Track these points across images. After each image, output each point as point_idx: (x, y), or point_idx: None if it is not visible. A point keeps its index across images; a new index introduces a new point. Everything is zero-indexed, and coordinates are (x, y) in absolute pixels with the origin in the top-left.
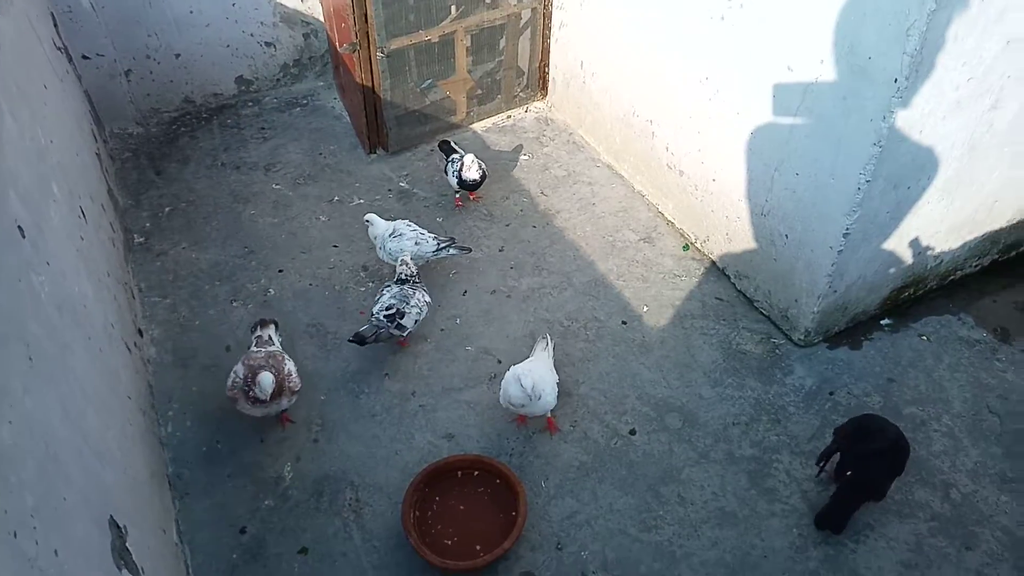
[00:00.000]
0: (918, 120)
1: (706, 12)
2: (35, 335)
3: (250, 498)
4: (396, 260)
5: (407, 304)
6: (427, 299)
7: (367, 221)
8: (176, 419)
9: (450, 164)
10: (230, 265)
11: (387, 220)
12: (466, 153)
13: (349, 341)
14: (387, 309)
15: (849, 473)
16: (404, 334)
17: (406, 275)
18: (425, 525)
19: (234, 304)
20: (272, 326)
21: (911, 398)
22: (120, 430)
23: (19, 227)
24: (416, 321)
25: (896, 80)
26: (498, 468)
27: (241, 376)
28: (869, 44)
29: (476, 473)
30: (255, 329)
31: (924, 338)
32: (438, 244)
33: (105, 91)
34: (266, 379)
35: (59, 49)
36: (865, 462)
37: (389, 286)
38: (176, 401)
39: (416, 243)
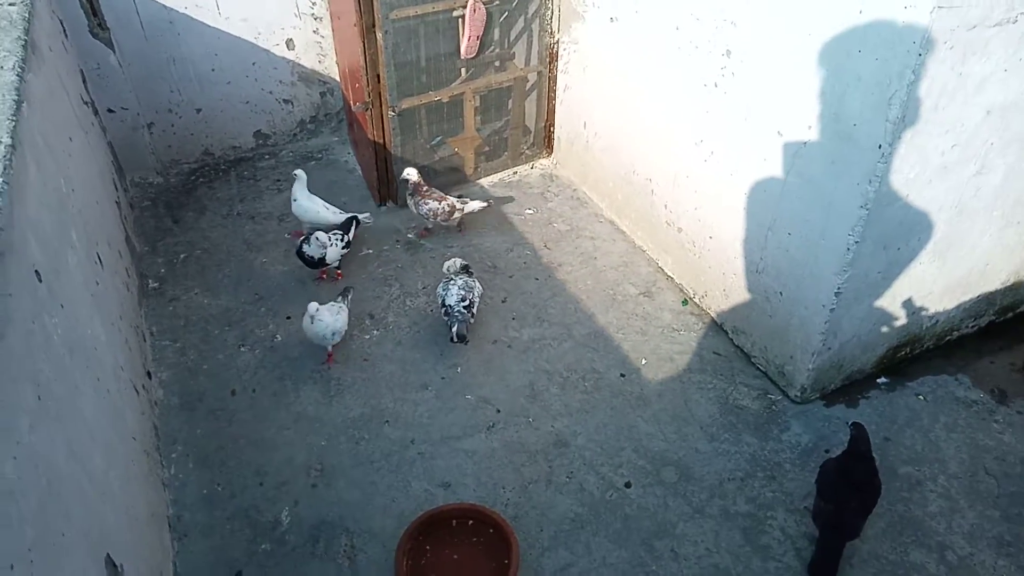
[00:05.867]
0: (904, 184)
1: (700, 80)
2: (45, 375)
3: (247, 541)
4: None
5: (472, 293)
6: (480, 287)
7: (295, 175)
8: (179, 461)
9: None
10: (240, 311)
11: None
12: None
13: (454, 342)
14: (462, 301)
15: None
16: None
17: (460, 267)
18: (418, 574)
19: (242, 349)
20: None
21: (907, 457)
22: (123, 470)
23: (36, 271)
24: (476, 308)
25: (880, 146)
26: (492, 518)
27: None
28: (853, 112)
29: (470, 522)
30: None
31: (921, 397)
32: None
33: (128, 142)
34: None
35: (86, 103)
36: (836, 502)
37: (452, 280)
38: (180, 443)
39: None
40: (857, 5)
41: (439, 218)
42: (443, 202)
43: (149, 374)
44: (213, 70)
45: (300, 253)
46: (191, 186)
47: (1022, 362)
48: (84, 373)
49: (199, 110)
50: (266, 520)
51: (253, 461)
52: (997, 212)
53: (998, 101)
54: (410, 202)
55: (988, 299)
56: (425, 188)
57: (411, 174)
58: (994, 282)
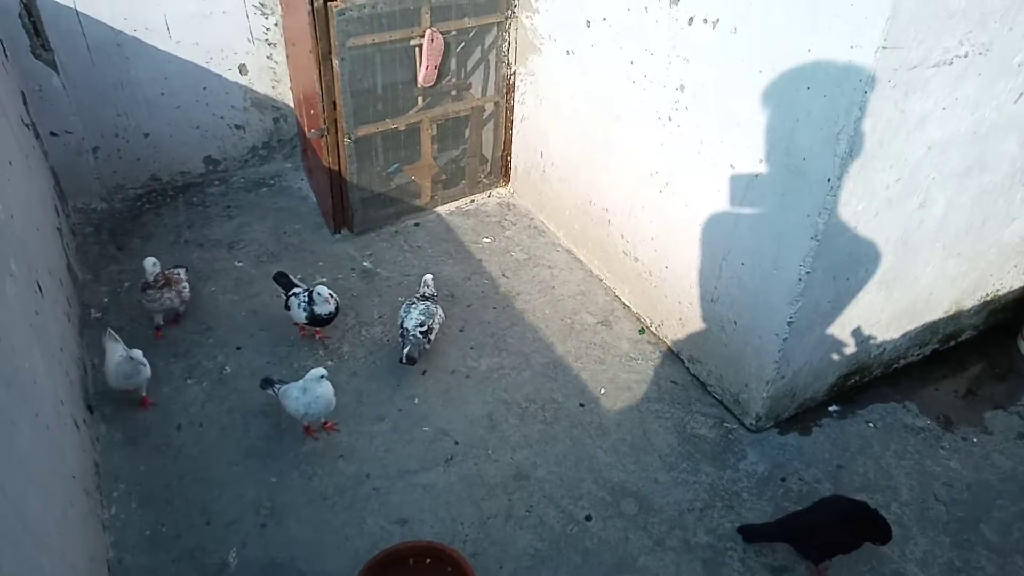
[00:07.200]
0: (852, 216)
1: (654, 113)
2: None
3: None
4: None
5: (433, 320)
6: (443, 314)
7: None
8: (121, 501)
9: (293, 298)
10: (187, 342)
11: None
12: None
13: (402, 363)
14: (420, 326)
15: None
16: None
17: (428, 294)
18: None
19: (188, 382)
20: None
21: (860, 485)
22: (61, 512)
23: None
24: (435, 335)
25: (829, 179)
26: (451, 555)
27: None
28: (803, 146)
29: (428, 561)
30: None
31: (871, 425)
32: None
33: (71, 167)
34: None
35: (27, 126)
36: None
37: (414, 303)
38: (122, 481)
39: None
40: (806, 44)
41: (183, 297)
42: (180, 283)
43: (91, 408)
44: (163, 94)
45: (314, 316)
46: (137, 212)
47: (965, 389)
48: (21, 408)
49: (147, 135)
50: (213, 562)
51: (199, 499)
52: (939, 244)
53: (937, 137)
54: (145, 298)
55: (932, 328)
56: (161, 275)
57: (156, 265)
58: (937, 311)
